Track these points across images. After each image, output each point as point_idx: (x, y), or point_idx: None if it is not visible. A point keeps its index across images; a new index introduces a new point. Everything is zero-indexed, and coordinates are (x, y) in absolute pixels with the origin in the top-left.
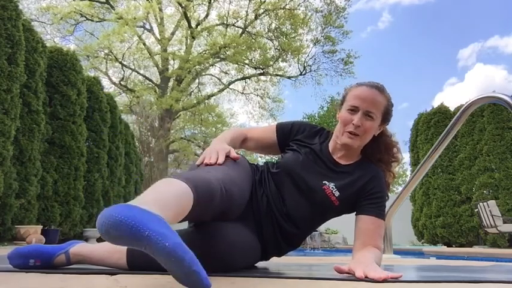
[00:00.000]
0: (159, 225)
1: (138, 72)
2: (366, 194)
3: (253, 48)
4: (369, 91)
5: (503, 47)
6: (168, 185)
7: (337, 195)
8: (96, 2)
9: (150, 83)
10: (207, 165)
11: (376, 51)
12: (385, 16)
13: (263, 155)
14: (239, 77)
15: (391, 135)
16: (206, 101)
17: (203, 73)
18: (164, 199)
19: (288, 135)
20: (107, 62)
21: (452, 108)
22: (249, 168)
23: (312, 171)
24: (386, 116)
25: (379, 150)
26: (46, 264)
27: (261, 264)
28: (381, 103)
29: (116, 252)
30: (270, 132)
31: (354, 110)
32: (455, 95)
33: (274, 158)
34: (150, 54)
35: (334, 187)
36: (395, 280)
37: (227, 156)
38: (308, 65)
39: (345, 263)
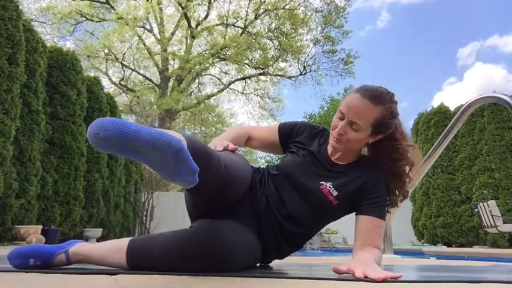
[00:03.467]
0: (145, 126)
1: (138, 72)
2: (365, 194)
3: (253, 48)
4: (359, 101)
5: (503, 46)
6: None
7: (335, 195)
8: (96, 2)
9: (150, 83)
10: None
11: (375, 50)
12: (384, 15)
13: (262, 156)
14: (239, 77)
15: (399, 139)
16: (206, 101)
17: (203, 73)
18: None
19: (289, 136)
20: (107, 62)
21: (452, 108)
22: (248, 163)
23: (309, 173)
24: (378, 128)
25: (380, 154)
26: (46, 264)
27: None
28: (370, 115)
29: (116, 252)
30: (273, 132)
31: (340, 117)
32: (455, 95)
33: (276, 157)
34: (150, 54)
35: (331, 187)
36: (395, 280)
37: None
38: (308, 65)
39: (344, 263)
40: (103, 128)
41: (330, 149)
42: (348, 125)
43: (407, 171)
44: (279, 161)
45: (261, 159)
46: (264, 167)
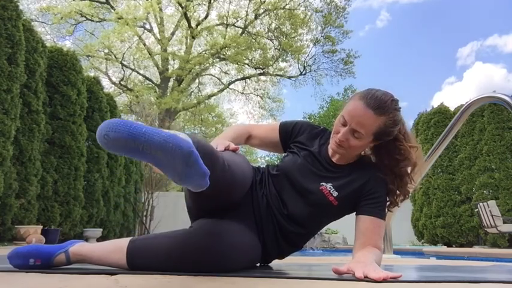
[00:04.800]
0: (154, 128)
1: (138, 72)
2: (365, 194)
3: (253, 48)
4: (363, 111)
5: (502, 45)
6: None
7: (335, 195)
8: (96, 2)
9: (150, 83)
10: None
11: (375, 50)
12: (384, 14)
13: (262, 155)
14: (239, 77)
15: (402, 139)
16: (206, 101)
17: (203, 73)
18: None
19: (289, 136)
20: (106, 62)
21: (451, 108)
22: (249, 164)
23: (309, 174)
24: (380, 136)
25: (380, 155)
26: (46, 264)
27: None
28: (373, 125)
29: (116, 252)
30: (273, 131)
31: (343, 123)
32: (454, 94)
33: (274, 155)
34: (150, 54)
35: (331, 187)
36: (395, 280)
37: (226, 150)
38: (308, 65)
39: (344, 263)
40: (113, 130)
41: (330, 150)
42: (350, 133)
43: (409, 172)
44: (278, 161)
45: (261, 158)
46: (264, 166)
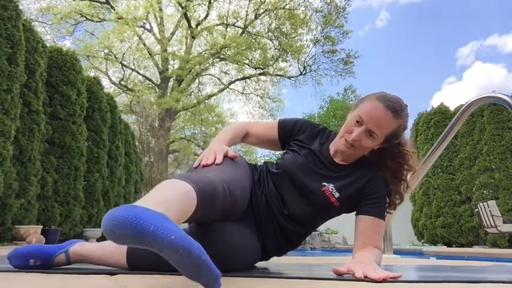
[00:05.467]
0: (164, 221)
1: (138, 72)
2: (365, 194)
3: (253, 48)
4: (382, 112)
5: (502, 45)
6: (171, 186)
7: (337, 196)
8: (96, 2)
9: (150, 83)
10: (204, 166)
11: (375, 49)
12: (383, 14)
13: (262, 155)
14: (239, 77)
15: (404, 144)
16: (206, 101)
17: (203, 73)
18: (167, 200)
19: (289, 134)
20: (107, 62)
21: (451, 108)
22: (248, 167)
23: (311, 173)
24: (390, 139)
25: (385, 158)
26: (46, 264)
27: (261, 264)
28: (389, 127)
29: (116, 252)
30: (272, 129)
31: (359, 122)
32: (454, 94)
33: (274, 155)
34: (150, 54)
35: (333, 188)
36: (395, 280)
37: (225, 156)
38: (308, 65)
39: (344, 263)
40: (119, 226)
41: (332, 149)
42: (365, 133)
43: (407, 176)
44: (277, 159)
45: (261, 158)
46: (262, 164)
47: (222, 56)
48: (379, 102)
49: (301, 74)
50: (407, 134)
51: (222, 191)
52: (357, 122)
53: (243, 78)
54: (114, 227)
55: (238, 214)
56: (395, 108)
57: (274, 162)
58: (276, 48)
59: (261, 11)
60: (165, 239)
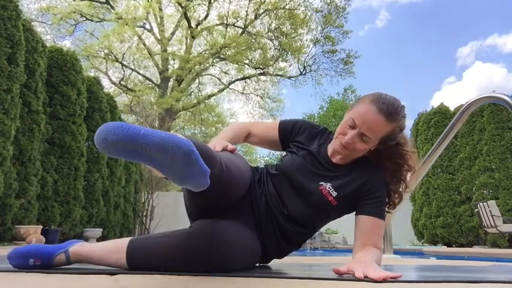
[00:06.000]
0: (153, 129)
1: (138, 72)
2: (364, 194)
3: (253, 48)
4: (375, 117)
5: (502, 45)
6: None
7: (334, 195)
8: (96, 2)
9: (150, 83)
10: None
11: (374, 49)
12: (383, 14)
13: (262, 155)
14: (239, 77)
15: (403, 144)
16: (206, 101)
17: (203, 73)
18: None
19: (289, 135)
20: (107, 62)
21: (451, 108)
22: (248, 164)
23: (309, 174)
24: (385, 141)
25: (383, 158)
26: (46, 264)
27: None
28: (382, 131)
29: (116, 252)
30: (273, 129)
31: (352, 125)
32: (454, 94)
33: (274, 154)
34: (150, 54)
35: (331, 187)
36: (395, 280)
37: (224, 150)
38: (308, 65)
39: (344, 263)
40: (111, 133)
41: (330, 150)
42: (358, 136)
43: (406, 176)
44: (278, 161)
45: (261, 159)
46: (263, 166)
47: (222, 56)
48: (373, 105)
49: (301, 74)
50: (407, 134)
51: (219, 162)
52: (350, 125)
53: (243, 78)
54: (106, 134)
55: (236, 197)
56: (390, 111)
57: (274, 164)
58: (276, 48)
59: (261, 11)
60: (155, 137)
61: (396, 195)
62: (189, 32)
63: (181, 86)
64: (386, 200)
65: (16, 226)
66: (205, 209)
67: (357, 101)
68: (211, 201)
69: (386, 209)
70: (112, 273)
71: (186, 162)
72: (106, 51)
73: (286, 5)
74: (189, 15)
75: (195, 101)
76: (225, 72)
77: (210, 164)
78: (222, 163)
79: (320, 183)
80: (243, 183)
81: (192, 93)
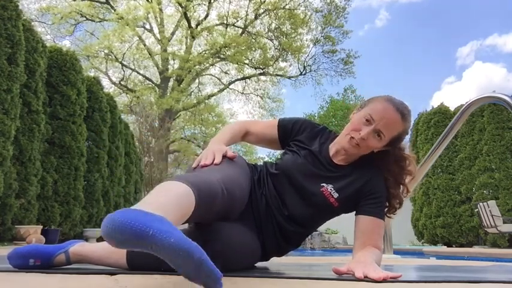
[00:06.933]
0: (162, 224)
1: (138, 72)
2: (365, 195)
3: (253, 48)
4: (393, 113)
5: (502, 45)
6: (169, 188)
7: (336, 197)
8: (96, 2)
9: (150, 83)
10: (203, 166)
11: (374, 49)
12: (383, 14)
13: (262, 156)
14: (239, 77)
15: (404, 149)
16: (206, 101)
17: (203, 73)
18: (166, 202)
19: (289, 133)
20: (107, 62)
21: (451, 108)
22: (247, 167)
23: (310, 174)
24: (394, 142)
25: (388, 161)
26: (46, 264)
27: (261, 264)
28: (396, 129)
29: (116, 252)
30: (272, 128)
31: (368, 121)
32: (454, 94)
33: (274, 154)
34: (150, 54)
35: (332, 189)
36: (395, 280)
37: (224, 157)
38: (308, 65)
39: (344, 263)
40: (119, 231)
41: (332, 149)
42: (374, 132)
43: (407, 180)
44: (277, 159)
45: (261, 159)
46: (262, 164)
47: (222, 56)
48: (389, 103)
49: (301, 74)
50: (406, 139)
51: (221, 192)
52: (366, 120)
53: (243, 78)
54: (113, 231)
55: (237, 214)
56: (403, 111)
57: (274, 162)
58: (276, 48)
59: (261, 11)
60: (164, 242)
61: (397, 200)
62: (189, 32)
63: (181, 86)
64: (387, 204)
65: (16, 226)
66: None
67: (367, 101)
68: (211, 220)
69: (387, 214)
70: (112, 273)
71: (196, 269)
72: (106, 51)
73: (286, 5)
74: (189, 15)
75: (195, 101)
76: (225, 72)
77: (211, 203)
78: (223, 190)
79: (322, 184)
80: (243, 200)
81: (192, 93)
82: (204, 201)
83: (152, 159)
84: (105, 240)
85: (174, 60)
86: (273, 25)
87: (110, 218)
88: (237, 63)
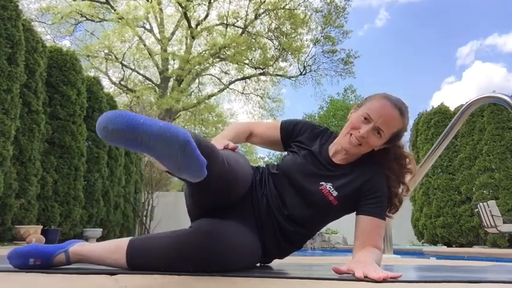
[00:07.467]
0: (152, 118)
1: (138, 72)
2: (365, 194)
3: (253, 48)
4: (391, 110)
5: (502, 45)
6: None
7: (335, 195)
8: (96, 2)
9: (150, 83)
10: None
11: (374, 49)
12: (383, 13)
13: (263, 155)
14: (239, 77)
15: (403, 147)
16: (206, 101)
17: (203, 73)
18: None
19: (290, 135)
20: (107, 62)
21: (451, 108)
22: (249, 163)
23: (310, 174)
24: (393, 139)
25: (388, 159)
26: (46, 264)
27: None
28: (395, 126)
29: (116, 252)
30: (275, 129)
31: (367, 119)
32: (454, 94)
33: (274, 154)
34: (150, 54)
35: (331, 187)
36: (395, 280)
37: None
38: (308, 65)
39: (344, 263)
40: (112, 122)
41: (332, 149)
42: (373, 130)
43: (407, 179)
44: (278, 161)
45: (261, 159)
46: (264, 166)
47: (222, 56)
48: (387, 101)
49: (301, 74)
50: (407, 134)
51: (221, 158)
52: (365, 118)
53: (243, 78)
54: (107, 122)
55: (240, 196)
56: (401, 108)
57: (275, 163)
58: (276, 48)
59: (261, 11)
60: (154, 127)
61: (397, 199)
62: (189, 32)
63: (181, 86)
64: (388, 204)
65: (16, 226)
66: (206, 207)
67: (365, 99)
68: (213, 199)
69: (388, 213)
70: (112, 273)
71: (182, 152)
72: (106, 51)
73: (286, 5)
74: (189, 15)
75: (195, 101)
76: (225, 72)
77: (210, 157)
78: (224, 160)
79: (321, 183)
80: (244, 179)
81: (192, 93)
82: (205, 152)
83: (152, 159)
84: (98, 134)
85: (174, 60)
86: (273, 25)
87: (104, 114)
88: (237, 63)
